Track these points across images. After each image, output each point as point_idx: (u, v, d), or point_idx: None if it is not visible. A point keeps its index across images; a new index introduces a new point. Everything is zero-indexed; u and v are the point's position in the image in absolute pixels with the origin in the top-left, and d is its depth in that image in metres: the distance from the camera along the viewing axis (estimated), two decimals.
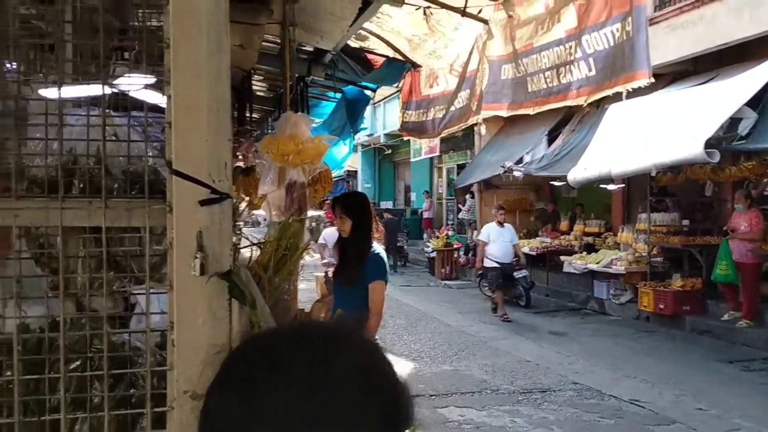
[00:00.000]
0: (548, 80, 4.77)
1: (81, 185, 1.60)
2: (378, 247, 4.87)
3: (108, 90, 1.72)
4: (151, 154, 1.61)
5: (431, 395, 8.46)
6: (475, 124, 19.01)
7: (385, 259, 4.84)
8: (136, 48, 1.86)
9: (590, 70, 4.49)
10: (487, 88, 5.58)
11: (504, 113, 5.92)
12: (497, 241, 13.62)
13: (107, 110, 1.61)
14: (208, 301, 1.50)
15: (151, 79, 1.83)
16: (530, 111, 5.43)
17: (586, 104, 4.61)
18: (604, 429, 7.25)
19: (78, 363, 1.58)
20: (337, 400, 0.81)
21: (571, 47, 4.56)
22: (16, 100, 1.59)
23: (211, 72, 1.48)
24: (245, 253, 1.70)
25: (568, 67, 4.57)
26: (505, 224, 13.91)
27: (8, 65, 1.81)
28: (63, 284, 1.54)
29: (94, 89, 1.75)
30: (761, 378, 9.21)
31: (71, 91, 1.79)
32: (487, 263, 13.77)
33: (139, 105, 1.64)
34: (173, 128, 1.48)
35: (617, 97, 13.03)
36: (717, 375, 9.37)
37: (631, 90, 4.80)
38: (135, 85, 1.87)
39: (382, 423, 0.84)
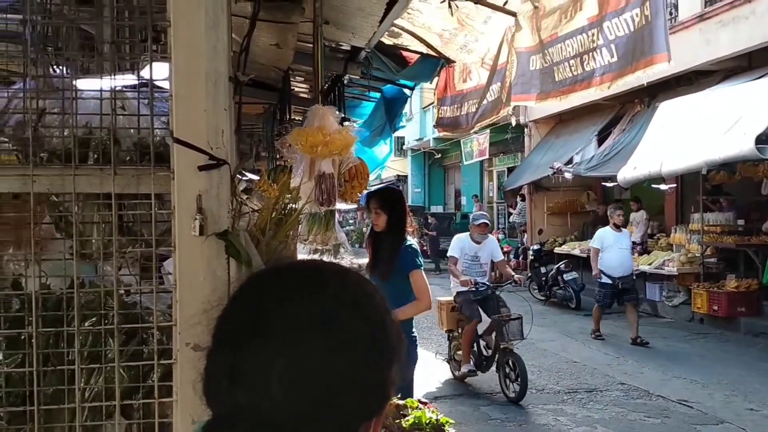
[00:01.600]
0: (573, 68, 4.78)
1: (95, 156, 1.73)
2: (410, 239, 4.94)
3: (129, 72, 1.85)
4: (160, 126, 1.73)
5: (475, 394, 8.47)
6: (524, 126, 18.98)
7: (417, 247, 4.90)
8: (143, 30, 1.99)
9: (612, 56, 4.48)
10: (516, 79, 5.61)
11: (533, 103, 5.93)
12: (613, 248, 11.25)
13: (121, 87, 1.74)
14: (207, 260, 1.61)
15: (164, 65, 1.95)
16: (557, 100, 5.43)
17: (609, 89, 4.59)
18: (650, 428, 7.15)
19: (93, 320, 1.71)
20: (326, 315, 0.89)
21: (593, 34, 4.55)
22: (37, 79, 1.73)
23: (209, 46, 1.59)
24: (247, 219, 1.81)
25: (591, 54, 4.56)
26: (623, 228, 11.77)
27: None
28: (76, 246, 1.67)
29: (127, 77, 1.89)
30: None
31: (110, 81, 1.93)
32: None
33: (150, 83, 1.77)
34: (174, 99, 1.60)
35: (669, 95, 12.87)
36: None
37: (677, 85, 4.78)
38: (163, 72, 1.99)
39: (371, 349, 0.91)
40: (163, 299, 1.79)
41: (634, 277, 11.69)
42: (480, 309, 8.76)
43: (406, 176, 31.52)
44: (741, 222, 12.94)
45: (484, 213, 9.59)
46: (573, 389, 8.63)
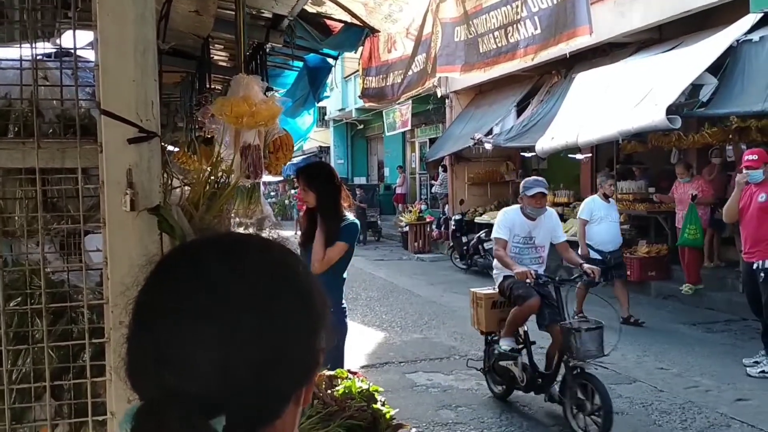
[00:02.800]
0: (497, 40, 4.84)
1: (16, 129, 1.65)
2: (351, 216, 4.94)
3: (51, 47, 1.77)
4: (83, 97, 1.66)
5: (400, 362, 8.60)
6: (446, 97, 19.14)
7: (358, 226, 4.91)
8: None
9: (536, 28, 4.57)
10: (441, 50, 5.64)
11: (457, 75, 5.98)
12: (604, 221, 10.26)
13: (40, 56, 1.66)
14: (139, 236, 1.57)
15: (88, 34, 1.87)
16: (482, 72, 5.51)
17: (533, 61, 4.68)
18: None
19: (19, 300, 1.64)
20: (250, 289, 0.87)
21: (517, 6, 4.63)
22: None
23: (136, 13, 1.54)
24: (178, 193, 1.77)
25: (515, 26, 4.64)
26: (611, 199, 10.64)
27: None
28: (1, 224, 1.60)
29: (41, 46, 1.80)
30: (722, 339, 9.47)
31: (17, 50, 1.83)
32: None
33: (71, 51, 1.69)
34: (101, 69, 1.53)
35: (585, 67, 13.22)
36: (680, 336, 9.62)
37: (582, 52, 4.90)
38: (80, 41, 1.91)
39: (298, 319, 0.90)
40: (90, 277, 1.74)
41: (622, 253, 10.90)
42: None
43: (328, 147, 31.38)
44: (652, 190, 13.51)
45: (541, 179, 6.86)
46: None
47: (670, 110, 9.67)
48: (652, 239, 13.24)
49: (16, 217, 1.70)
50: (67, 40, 1.61)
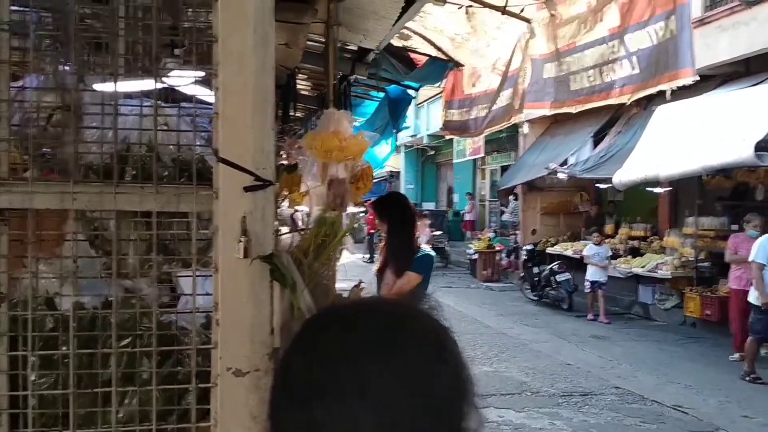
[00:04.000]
0: (591, 79, 4.75)
1: (133, 172, 1.69)
2: (427, 248, 4.92)
3: (159, 84, 1.81)
4: (199, 143, 1.69)
5: None
6: (519, 125, 18.98)
7: (433, 258, 4.87)
8: (185, 44, 1.95)
9: (633, 68, 4.46)
10: (530, 86, 5.57)
11: (547, 111, 5.89)
12: None
13: (158, 101, 1.70)
14: (251, 282, 1.57)
15: (199, 74, 1.91)
16: (573, 109, 5.40)
17: (629, 102, 4.57)
18: None
19: (128, 340, 1.67)
20: (409, 369, 0.85)
21: (614, 46, 4.54)
22: (72, 93, 1.68)
23: (257, 63, 1.55)
24: (286, 239, 1.77)
25: (611, 65, 4.54)
26: None
27: (64, 62, 1.91)
28: (116, 265, 1.63)
29: (147, 83, 1.85)
30: None
31: (125, 85, 1.89)
32: (753, 298, 9.07)
33: (188, 98, 1.73)
34: (220, 118, 1.55)
35: (664, 99, 12.90)
36: (765, 384, 9.15)
37: (676, 89, 4.75)
38: (184, 79, 1.95)
39: (450, 393, 0.88)
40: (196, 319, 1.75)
41: None
42: None
43: (398, 172, 31.48)
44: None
45: None
46: (568, 392, 8.65)
47: (759, 146, 9.31)
48: None
49: (130, 259, 1.73)
50: (192, 88, 1.64)
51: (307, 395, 0.86)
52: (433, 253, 4.94)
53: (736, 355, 10.03)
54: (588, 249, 14.24)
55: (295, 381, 0.88)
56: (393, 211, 4.91)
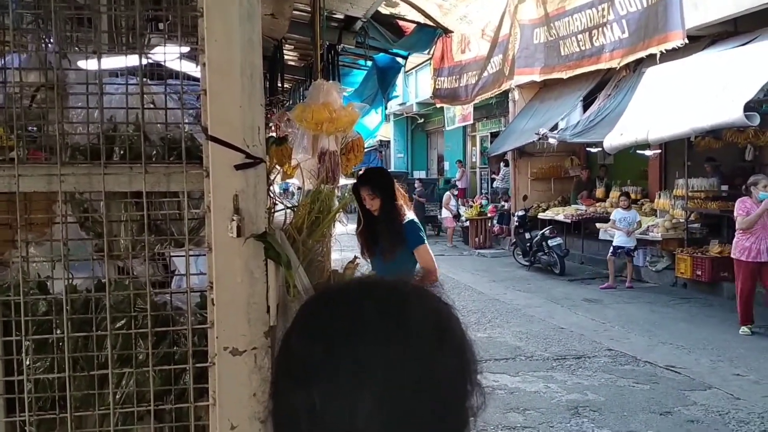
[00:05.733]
0: (581, 43, 4.70)
1: (121, 152, 1.66)
2: (410, 214, 4.94)
3: (144, 60, 1.77)
4: (187, 120, 1.66)
5: None
6: (509, 91, 18.89)
7: (418, 222, 4.92)
8: (169, 19, 1.91)
9: (623, 32, 4.43)
10: (519, 52, 5.52)
11: (537, 77, 5.84)
12: None
13: (144, 79, 1.66)
14: (245, 261, 1.56)
15: (185, 49, 1.88)
16: (563, 75, 5.37)
17: (619, 66, 4.54)
18: (639, 394, 7.25)
19: (123, 322, 1.66)
20: (410, 349, 0.84)
21: (603, 9, 4.49)
22: (56, 72, 1.65)
23: (244, 38, 1.52)
24: (279, 216, 1.76)
25: (600, 29, 4.50)
26: None
27: (46, 39, 1.87)
28: (107, 247, 1.61)
29: (131, 59, 1.81)
30: None
31: (109, 62, 1.85)
32: None
33: (175, 74, 1.69)
34: (208, 95, 1.53)
35: (653, 61, 12.84)
36: (756, 341, 9.26)
37: (665, 51, 4.72)
38: (169, 54, 1.91)
39: (453, 374, 0.88)
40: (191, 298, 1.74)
41: None
42: None
43: (388, 141, 31.38)
44: (725, 187, 13.05)
45: None
46: (561, 356, 8.73)
47: (748, 107, 9.30)
48: (725, 239, 12.79)
49: (121, 240, 1.71)
50: (179, 65, 1.61)
51: (307, 376, 0.85)
52: (416, 219, 4.99)
53: (746, 329, 9.59)
54: (615, 213, 13.80)
55: (294, 362, 0.88)
56: (386, 188, 4.92)
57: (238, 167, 1.52)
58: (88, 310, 1.65)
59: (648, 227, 13.81)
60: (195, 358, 1.66)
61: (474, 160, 25.65)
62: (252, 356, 1.57)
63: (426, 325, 0.88)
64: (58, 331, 1.61)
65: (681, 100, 10.87)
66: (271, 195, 1.67)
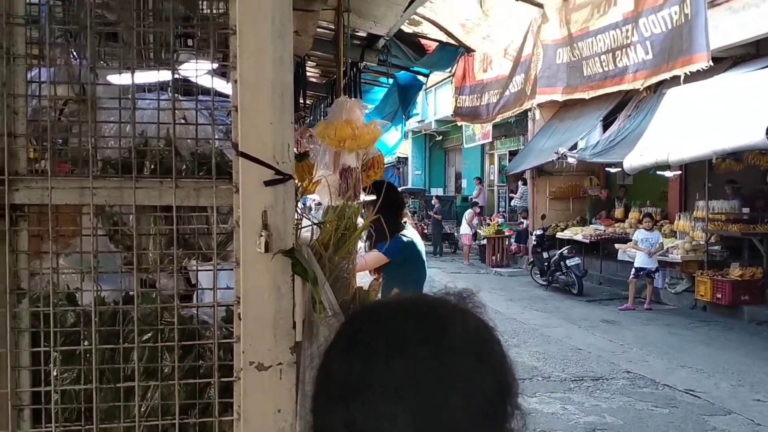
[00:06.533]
0: (604, 64, 4.69)
1: (152, 166, 1.68)
2: (409, 233, 4.80)
3: (176, 75, 1.79)
4: (217, 136, 1.68)
5: None
6: (529, 110, 18.89)
7: (407, 241, 4.71)
8: (200, 35, 1.93)
9: (647, 53, 4.42)
10: (542, 72, 5.51)
11: (559, 97, 5.81)
12: None
13: (175, 95, 1.68)
14: (272, 276, 1.56)
15: (215, 66, 1.90)
16: (585, 95, 5.35)
17: (643, 87, 4.54)
18: (658, 418, 7.17)
19: (150, 335, 1.67)
20: (450, 369, 0.85)
21: (627, 30, 4.48)
22: (89, 86, 1.67)
23: (276, 55, 1.54)
24: (306, 233, 1.76)
25: (624, 50, 4.49)
26: None
27: (76, 54, 1.90)
28: (136, 260, 1.62)
29: (162, 75, 1.83)
30: None
31: (141, 77, 1.87)
32: None
33: (205, 90, 1.71)
34: (239, 111, 1.54)
35: (675, 82, 12.78)
36: None
37: (689, 74, 4.70)
38: (200, 71, 1.93)
39: (493, 395, 0.88)
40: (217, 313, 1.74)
41: None
42: None
43: (406, 158, 31.42)
44: (746, 210, 12.94)
45: None
46: (579, 377, 8.66)
47: None
48: (746, 261, 12.66)
49: (150, 254, 1.72)
50: (210, 81, 1.63)
51: (346, 393, 0.86)
52: (410, 238, 4.78)
53: None
54: (637, 234, 13.73)
55: (334, 379, 0.89)
56: (378, 200, 4.82)
57: (267, 183, 1.53)
58: (115, 322, 1.66)
59: (668, 249, 13.69)
60: (220, 372, 1.66)
61: (492, 178, 25.62)
62: (277, 371, 1.57)
63: (466, 345, 0.88)
64: (86, 343, 1.62)
65: (702, 121, 10.81)
66: (298, 211, 1.68)
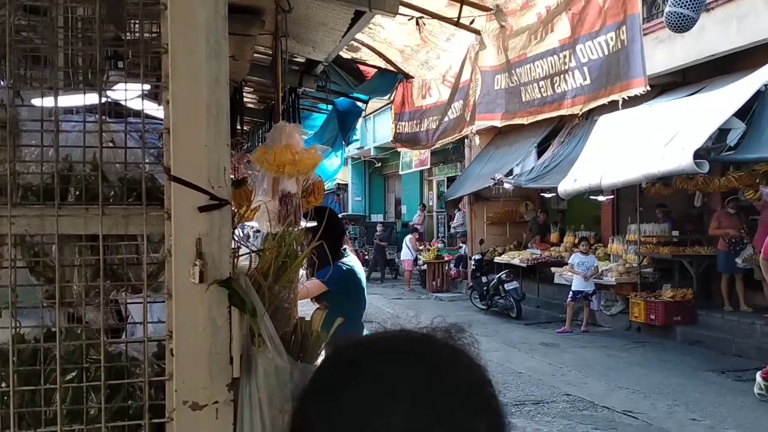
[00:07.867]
0: (543, 90, 4.77)
1: (77, 192, 1.57)
2: (348, 260, 4.73)
3: (104, 98, 1.70)
4: (148, 160, 1.58)
5: None
6: (466, 136, 19.14)
7: (347, 269, 4.65)
8: (130, 57, 1.84)
9: (585, 79, 4.51)
10: (480, 98, 5.56)
11: (498, 123, 5.86)
12: None
13: (103, 117, 1.59)
14: (207, 309, 1.47)
15: (146, 87, 1.81)
16: (524, 120, 5.41)
17: (581, 112, 4.64)
18: None
19: (74, 374, 1.55)
20: (444, 416, 0.78)
21: (565, 57, 4.57)
22: (9, 109, 1.57)
23: (211, 76, 1.46)
24: (244, 261, 1.68)
25: (562, 76, 4.57)
26: None
27: None
28: (59, 293, 1.51)
29: (90, 97, 1.74)
30: (754, 388, 9.20)
31: (66, 99, 1.77)
32: None
33: (135, 112, 1.62)
34: (172, 134, 1.46)
35: (608, 108, 13.17)
36: (709, 385, 9.36)
37: (627, 98, 4.81)
38: (130, 93, 1.84)
39: None
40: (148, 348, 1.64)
41: None
42: None
43: (346, 185, 31.39)
44: (675, 233, 13.34)
45: None
46: (520, 401, 8.69)
47: (698, 154, 9.56)
48: (677, 283, 13.02)
49: (74, 286, 1.61)
50: (141, 101, 1.54)
51: None
52: (351, 266, 4.72)
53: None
54: (573, 257, 13.91)
55: (312, 427, 0.81)
56: (318, 223, 4.75)
57: (202, 209, 1.45)
58: (36, 361, 1.53)
59: (602, 272, 13.98)
60: (151, 413, 1.55)
61: (431, 203, 25.80)
62: (213, 411, 1.47)
63: (458, 389, 0.81)
64: (3, 385, 1.50)
65: (633, 147, 11.14)
66: (236, 238, 1.60)
